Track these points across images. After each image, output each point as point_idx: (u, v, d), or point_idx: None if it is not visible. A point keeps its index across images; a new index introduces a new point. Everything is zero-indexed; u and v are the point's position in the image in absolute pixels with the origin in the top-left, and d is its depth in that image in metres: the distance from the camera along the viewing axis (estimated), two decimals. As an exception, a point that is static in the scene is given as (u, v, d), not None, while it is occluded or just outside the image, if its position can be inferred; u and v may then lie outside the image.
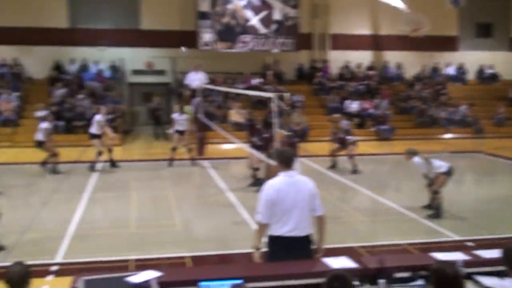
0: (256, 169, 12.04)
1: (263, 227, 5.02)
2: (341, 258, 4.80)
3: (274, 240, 4.98)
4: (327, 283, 3.57)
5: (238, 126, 16.52)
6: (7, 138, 18.99)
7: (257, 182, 11.90)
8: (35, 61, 22.46)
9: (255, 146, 11.76)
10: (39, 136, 13.99)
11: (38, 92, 21.68)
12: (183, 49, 17.69)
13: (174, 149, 14.95)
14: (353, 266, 4.60)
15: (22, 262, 3.81)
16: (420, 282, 4.49)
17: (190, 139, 15.77)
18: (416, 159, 9.84)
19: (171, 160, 14.88)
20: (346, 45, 25.09)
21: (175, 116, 15.11)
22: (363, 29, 25.37)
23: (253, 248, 5.11)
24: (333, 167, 14.48)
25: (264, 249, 5.11)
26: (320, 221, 5.14)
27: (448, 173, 9.59)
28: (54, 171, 13.88)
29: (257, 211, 5.05)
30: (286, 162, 5.02)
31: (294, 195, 4.91)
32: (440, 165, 9.68)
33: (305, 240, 5.01)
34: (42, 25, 21.98)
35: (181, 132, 15.01)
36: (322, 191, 5.15)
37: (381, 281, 4.22)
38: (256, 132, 12.05)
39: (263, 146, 11.42)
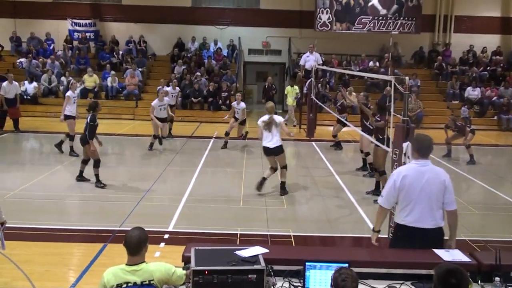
0: (367, 154, 11.81)
1: (383, 210, 4.95)
2: (453, 251, 4.58)
3: (399, 229, 4.88)
4: (441, 278, 3.23)
5: (350, 109, 16.28)
6: (130, 111, 20.23)
7: (366, 167, 11.71)
8: (159, 39, 23.65)
9: (367, 130, 11.52)
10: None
11: (160, 69, 22.85)
12: None
13: (227, 133, 14.64)
14: (466, 260, 4.38)
15: (141, 228, 3.98)
16: (540, 284, 4.18)
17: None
18: None
19: (225, 143, 14.64)
20: (471, 28, 23.66)
21: (234, 104, 14.87)
22: (492, 11, 23.68)
23: (372, 230, 5.11)
24: (447, 155, 13.84)
25: (380, 234, 5.08)
26: (451, 216, 4.83)
27: None
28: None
29: (381, 194, 5.00)
30: (421, 150, 4.84)
31: (422, 184, 4.71)
32: None
33: (431, 234, 4.74)
34: (167, 4, 22.99)
35: (237, 119, 14.65)
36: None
37: (497, 279, 3.98)
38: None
39: (375, 130, 11.14)
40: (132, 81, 20.82)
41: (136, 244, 3.83)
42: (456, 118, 14.17)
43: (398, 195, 4.78)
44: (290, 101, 19.15)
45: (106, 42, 23.39)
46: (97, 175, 10.08)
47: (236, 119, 14.73)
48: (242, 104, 14.71)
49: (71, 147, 12.80)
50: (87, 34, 23.32)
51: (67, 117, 12.87)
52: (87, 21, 23.38)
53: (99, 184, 10.03)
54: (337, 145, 14.76)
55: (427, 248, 4.67)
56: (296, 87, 19.07)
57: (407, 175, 4.77)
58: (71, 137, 12.84)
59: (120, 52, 22.87)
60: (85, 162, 10.33)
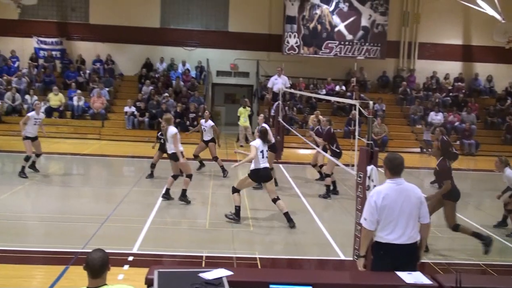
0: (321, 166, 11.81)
1: (368, 233, 4.96)
2: (416, 273, 4.65)
3: (381, 247, 4.93)
4: None
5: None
6: (96, 131, 19.99)
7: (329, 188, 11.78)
8: (127, 59, 23.52)
9: (333, 153, 11.65)
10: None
11: (127, 89, 22.71)
12: None
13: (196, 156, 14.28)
14: (428, 283, 4.45)
15: (102, 249, 3.90)
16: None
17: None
18: (509, 171, 9.32)
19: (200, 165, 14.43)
20: (434, 55, 24.33)
21: (201, 122, 14.34)
22: (454, 39, 24.43)
23: (357, 256, 5.13)
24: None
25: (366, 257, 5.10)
26: (425, 229, 5.08)
27: None
28: None
29: (363, 217, 5.02)
30: (394, 169, 4.96)
31: (401, 202, 4.86)
32: None
33: (411, 248, 4.92)
34: (135, 25, 22.96)
35: (206, 142, 14.15)
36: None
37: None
38: (335, 139, 11.95)
39: (341, 153, 11.34)
40: (99, 101, 20.62)
41: (99, 266, 3.75)
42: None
43: (379, 215, 4.86)
44: (242, 121, 19.41)
45: (72, 60, 23.14)
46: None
47: (205, 141, 14.16)
48: (210, 122, 14.36)
49: (23, 167, 12.30)
50: (53, 52, 23.02)
51: (25, 138, 12.39)
52: (53, 39, 23.08)
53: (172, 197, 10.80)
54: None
55: (407, 262, 4.86)
56: (248, 108, 19.42)
57: (387, 194, 4.88)
58: (27, 158, 12.43)
59: (87, 71, 22.65)
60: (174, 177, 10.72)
